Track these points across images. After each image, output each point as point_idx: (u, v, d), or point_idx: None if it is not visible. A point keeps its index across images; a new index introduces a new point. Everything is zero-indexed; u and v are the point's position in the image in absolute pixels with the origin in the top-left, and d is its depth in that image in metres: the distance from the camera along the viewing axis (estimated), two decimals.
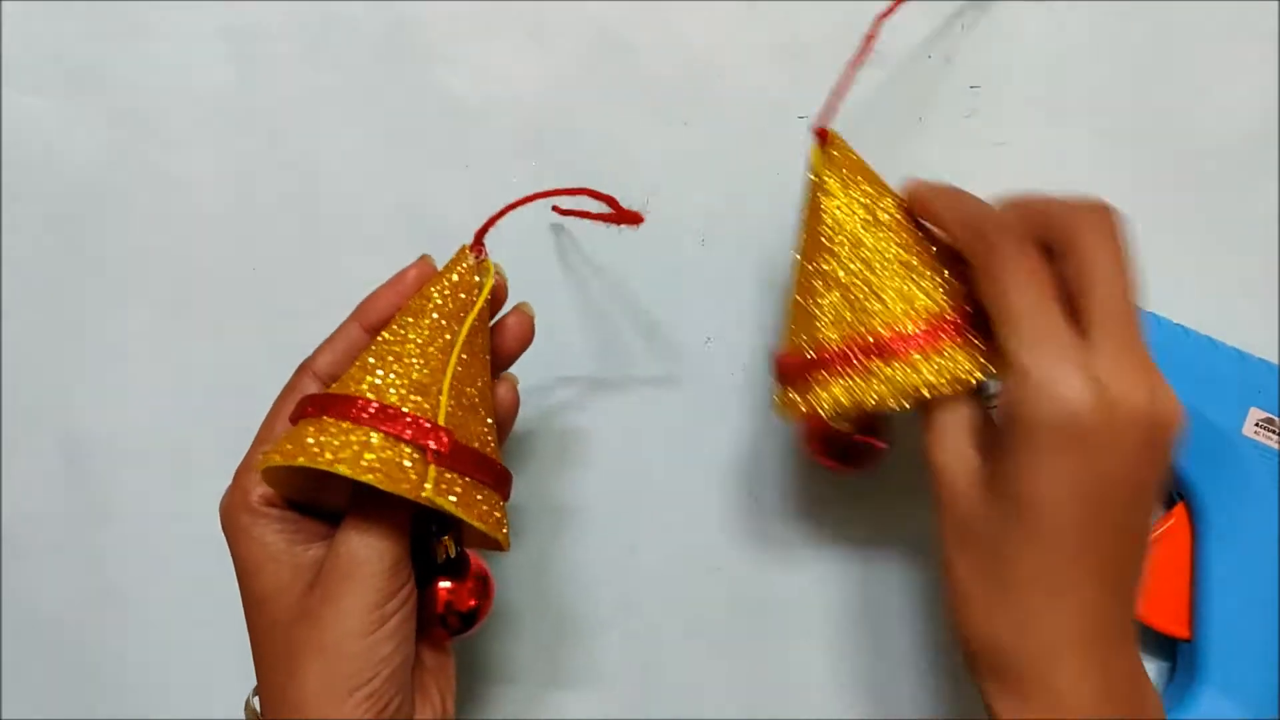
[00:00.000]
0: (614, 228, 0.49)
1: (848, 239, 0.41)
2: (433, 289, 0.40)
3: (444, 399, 0.37)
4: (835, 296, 0.40)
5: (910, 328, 0.39)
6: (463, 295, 0.40)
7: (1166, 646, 0.49)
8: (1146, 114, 0.50)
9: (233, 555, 0.39)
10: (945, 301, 0.39)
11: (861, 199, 0.41)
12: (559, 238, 0.50)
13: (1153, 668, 0.49)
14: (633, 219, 0.42)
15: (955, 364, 0.39)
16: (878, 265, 0.40)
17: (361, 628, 0.36)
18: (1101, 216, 0.37)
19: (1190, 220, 0.50)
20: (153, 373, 0.50)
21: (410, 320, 0.39)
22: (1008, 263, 0.36)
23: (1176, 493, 0.47)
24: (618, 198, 0.49)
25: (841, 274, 0.40)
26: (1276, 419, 0.46)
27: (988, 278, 0.37)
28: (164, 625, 0.50)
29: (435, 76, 0.50)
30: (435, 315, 0.39)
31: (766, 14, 0.50)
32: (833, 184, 0.42)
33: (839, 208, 0.41)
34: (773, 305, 0.50)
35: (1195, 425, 0.46)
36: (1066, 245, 0.36)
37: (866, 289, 0.40)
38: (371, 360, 0.38)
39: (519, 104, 0.50)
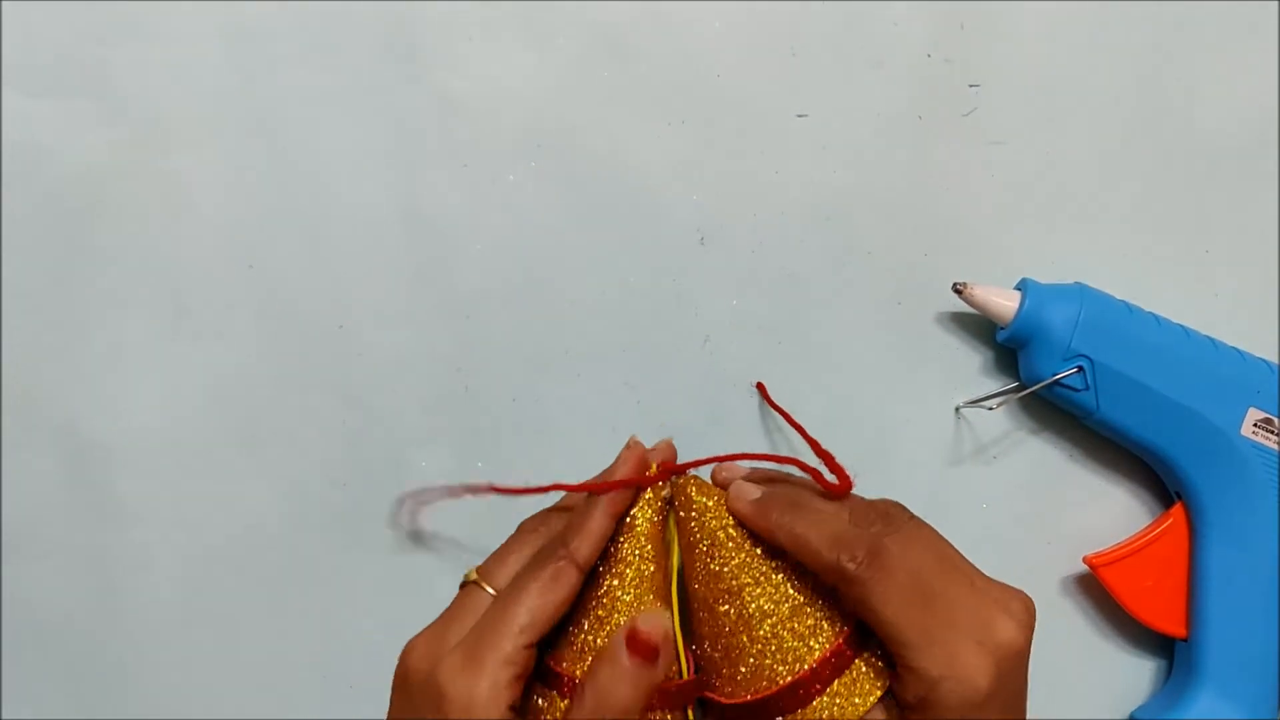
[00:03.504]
0: (614, 226, 0.50)
1: (712, 598, 0.41)
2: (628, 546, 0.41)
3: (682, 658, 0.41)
4: (727, 644, 0.40)
5: (807, 665, 0.38)
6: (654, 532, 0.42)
7: (1164, 646, 0.49)
8: (1146, 114, 0.50)
9: None
10: (829, 631, 0.39)
11: (708, 562, 0.41)
12: (559, 237, 0.50)
13: (1150, 667, 0.49)
14: (842, 486, 0.43)
15: (858, 686, 0.38)
16: (754, 623, 0.40)
17: None
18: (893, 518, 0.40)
19: (1190, 220, 0.50)
20: (153, 373, 0.50)
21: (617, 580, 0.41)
22: (865, 586, 0.37)
23: (1175, 492, 0.47)
24: (620, 197, 0.49)
25: (726, 628, 0.40)
26: (1275, 419, 0.46)
27: (852, 603, 0.38)
28: (164, 625, 0.50)
29: (435, 76, 0.50)
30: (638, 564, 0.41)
31: (766, 14, 0.50)
32: (681, 552, 0.42)
33: (695, 573, 0.42)
34: (772, 305, 0.50)
35: (1194, 425, 0.46)
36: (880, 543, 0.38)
37: (746, 647, 0.40)
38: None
39: (519, 104, 0.50)
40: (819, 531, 0.38)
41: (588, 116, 0.50)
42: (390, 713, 0.40)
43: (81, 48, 0.50)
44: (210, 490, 0.50)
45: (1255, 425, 0.46)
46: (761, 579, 0.40)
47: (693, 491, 0.42)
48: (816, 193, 0.50)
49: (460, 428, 0.50)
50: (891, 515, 0.40)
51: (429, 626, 0.40)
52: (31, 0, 0.50)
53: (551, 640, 0.40)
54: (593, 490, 0.40)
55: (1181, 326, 0.47)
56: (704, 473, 0.43)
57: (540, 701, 0.40)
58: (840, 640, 0.39)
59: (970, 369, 0.50)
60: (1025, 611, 0.38)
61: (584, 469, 0.50)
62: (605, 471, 0.43)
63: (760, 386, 0.49)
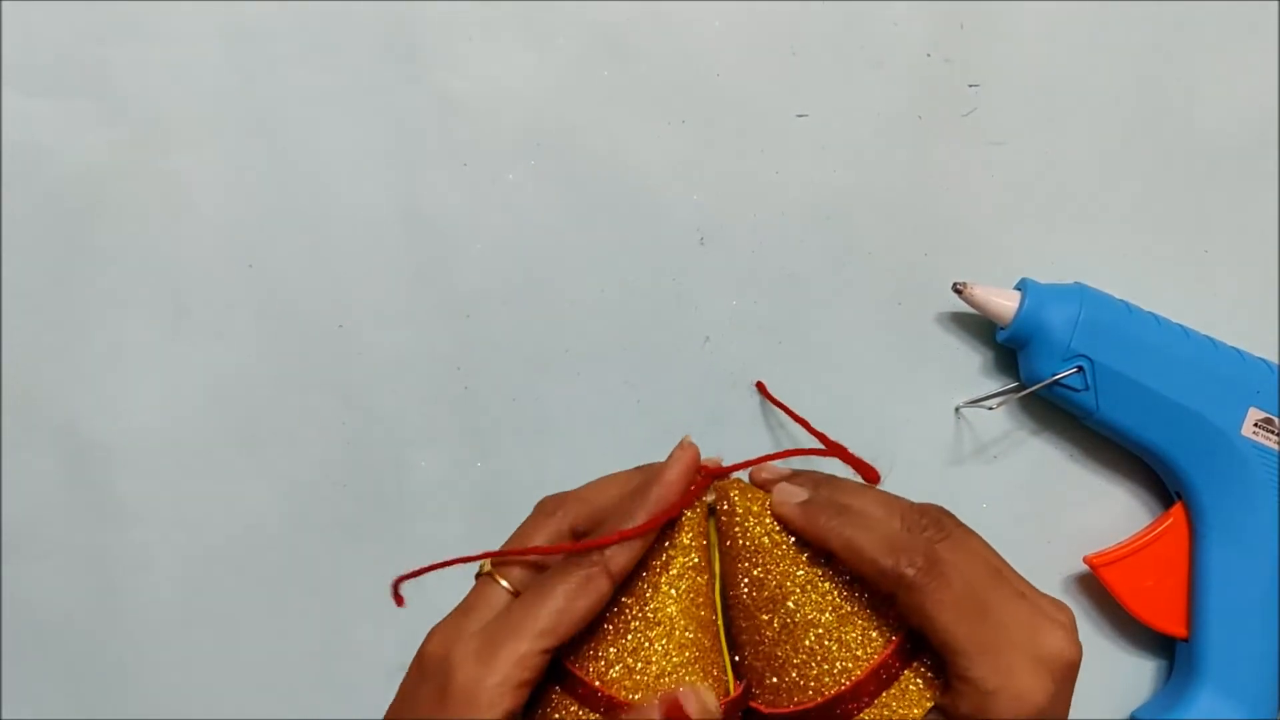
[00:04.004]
0: (614, 226, 0.50)
1: (755, 607, 0.40)
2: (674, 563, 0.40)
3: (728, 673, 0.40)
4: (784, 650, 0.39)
5: (857, 676, 0.38)
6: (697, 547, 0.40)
7: (1164, 646, 0.49)
8: (1146, 114, 0.50)
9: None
10: (879, 640, 0.38)
11: (751, 569, 0.40)
12: (559, 237, 0.50)
13: (1150, 667, 0.49)
14: (871, 475, 0.42)
15: (907, 698, 0.38)
16: (799, 633, 0.39)
17: None
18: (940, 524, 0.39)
19: (1190, 220, 0.50)
20: (153, 373, 0.50)
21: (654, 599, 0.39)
22: (922, 595, 0.36)
23: (1175, 492, 0.47)
24: (620, 197, 0.49)
25: (769, 637, 0.39)
26: (1275, 419, 0.46)
27: (909, 610, 0.37)
28: (164, 625, 0.50)
29: (435, 76, 0.50)
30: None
31: (766, 14, 0.50)
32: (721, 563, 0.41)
33: (737, 580, 0.40)
34: (773, 305, 0.50)
35: (1195, 425, 0.46)
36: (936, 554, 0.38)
37: (795, 655, 0.39)
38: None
39: (519, 104, 0.50)
40: (873, 536, 0.37)
41: (588, 116, 0.50)
42: (403, 684, 0.39)
43: (81, 47, 0.50)
44: (210, 490, 0.50)
45: (1255, 425, 0.46)
46: (807, 587, 0.39)
47: (735, 496, 0.40)
48: (816, 193, 0.50)
49: (460, 428, 0.50)
50: (942, 521, 0.39)
51: (448, 615, 0.39)
52: (31, 0, 0.50)
53: (575, 643, 0.39)
54: (622, 535, 0.37)
55: (1181, 326, 0.47)
56: (744, 475, 0.42)
57: (555, 700, 0.38)
58: (890, 650, 0.38)
59: (970, 369, 0.50)
60: (1072, 622, 0.37)
61: (584, 468, 0.49)
62: (657, 468, 0.40)
63: (760, 385, 0.49)
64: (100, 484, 0.50)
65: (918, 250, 0.50)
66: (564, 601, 0.37)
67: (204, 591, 0.50)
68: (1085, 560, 0.47)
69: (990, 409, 0.49)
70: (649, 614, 0.39)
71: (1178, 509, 0.47)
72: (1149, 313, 0.47)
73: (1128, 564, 0.47)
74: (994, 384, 0.49)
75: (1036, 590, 0.39)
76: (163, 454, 0.50)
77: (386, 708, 0.40)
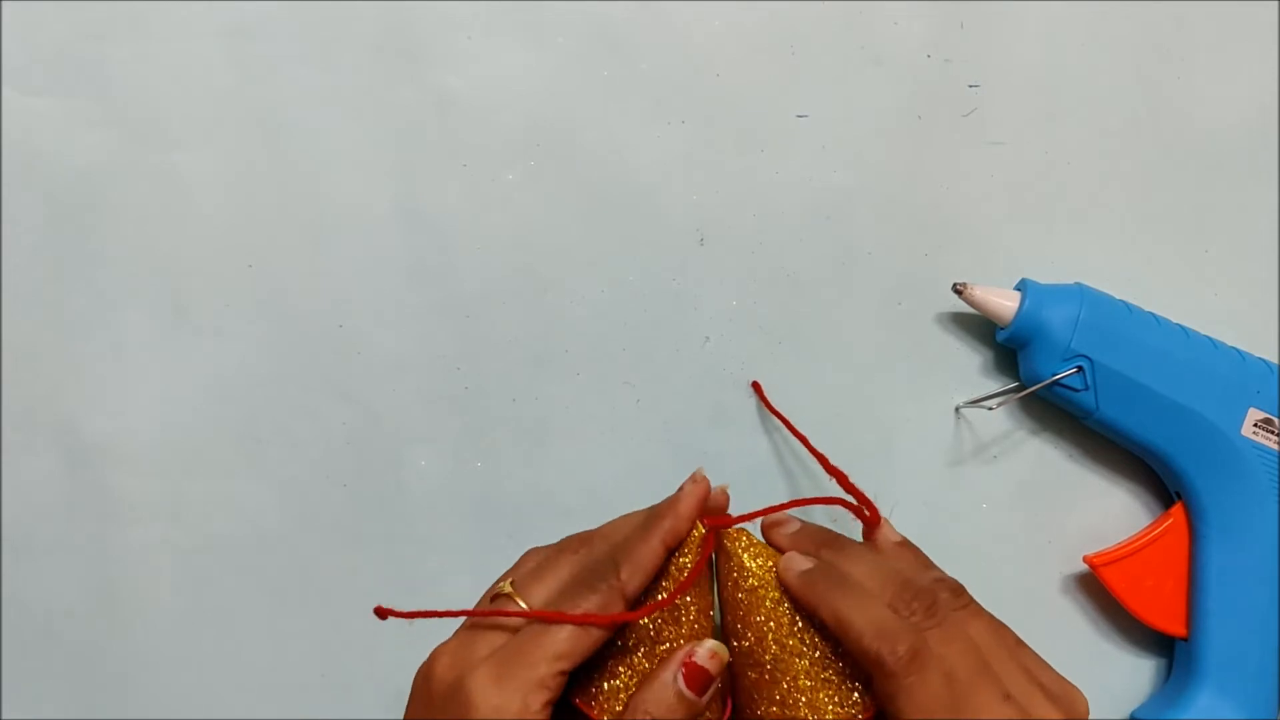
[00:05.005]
0: (614, 226, 0.50)
1: (742, 660, 0.40)
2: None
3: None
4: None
5: None
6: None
7: (1164, 645, 0.49)
8: (1146, 113, 0.50)
9: None
10: (851, 712, 0.38)
11: (743, 626, 0.40)
12: (559, 237, 0.50)
13: (1150, 667, 0.49)
14: (872, 519, 0.42)
15: None
16: (780, 691, 0.39)
17: None
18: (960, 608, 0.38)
19: (1190, 220, 0.50)
20: (153, 372, 0.50)
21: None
22: (898, 683, 0.36)
23: (1175, 492, 0.47)
24: (620, 197, 0.49)
25: (753, 693, 0.40)
26: (1275, 419, 0.46)
27: (882, 697, 0.36)
28: (164, 625, 0.50)
29: (435, 76, 0.50)
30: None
31: (766, 14, 0.50)
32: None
33: (729, 629, 0.41)
34: (772, 305, 0.50)
35: (1194, 425, 0.46)
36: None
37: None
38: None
39: (519, 103, 0.50)
40: (862, 617, 0.37)
41: (587, 116, 0.50)
42: (409, 712, 0.39)
43: (81, 46, 0.50)
44: (210, 490, 0.50)
45: (1255, 425, 0.46)
46: (794, 653, 0.39)
47: (741, 552, 0.41)
48: (816, 193, 0.50)
49: (460, 428, 0.50)
50: (936, 606, 0.38)
51: (456, 635, 0.39)
52: (31, 0, 0.50)
53: (581, 679, 0.39)
54: (586, 621, 0.37)
55: (1181, 327, 0.47)
56: (753, 525, 0.42)
57: None
58: None
59: (970, 369, 0.50)
60: (1078, 712, 0.37)
61: (583, 468, 0.50)
62: (666, 504, 0.41)
63: (756, 386, 0.49)
64: (100, 484, 0.50)
65: (918, 250, 0.50)
66: (581, 624, 0.37)
67: (204, 591, 0.50)
68: (1085, 560, 0.47)
69: (990, 409, 0.49)
70: (658, 651, 0.39)
71: (1178, 509, 0.47)
72: (1149, 313, 0.47)
73: (1128, 564, 0.47)
74: (994, 384, 0.50)
75: (1034, 686, 0.37)
76: (163, 454, 0.50)
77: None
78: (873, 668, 0.36)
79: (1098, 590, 0.48)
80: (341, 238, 0.50)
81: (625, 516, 0.42)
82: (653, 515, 0.40)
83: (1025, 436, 0.49)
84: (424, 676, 0.38)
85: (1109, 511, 0.49)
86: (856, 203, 0.50)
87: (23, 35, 0.50)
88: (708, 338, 0.50)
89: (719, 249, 0.50)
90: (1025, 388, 0.47)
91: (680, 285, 0.50)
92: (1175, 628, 0.47)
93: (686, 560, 0.40)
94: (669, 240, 0.50)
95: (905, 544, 0.42)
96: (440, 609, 0.40)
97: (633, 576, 0.38)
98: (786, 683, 0.39)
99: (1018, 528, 0.49)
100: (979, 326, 0.49)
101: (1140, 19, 0.50)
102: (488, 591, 0.41)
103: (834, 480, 0.43)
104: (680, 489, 0.41)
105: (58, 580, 0.50)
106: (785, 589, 0.40)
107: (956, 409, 0.49)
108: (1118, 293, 0.47)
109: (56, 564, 0.50)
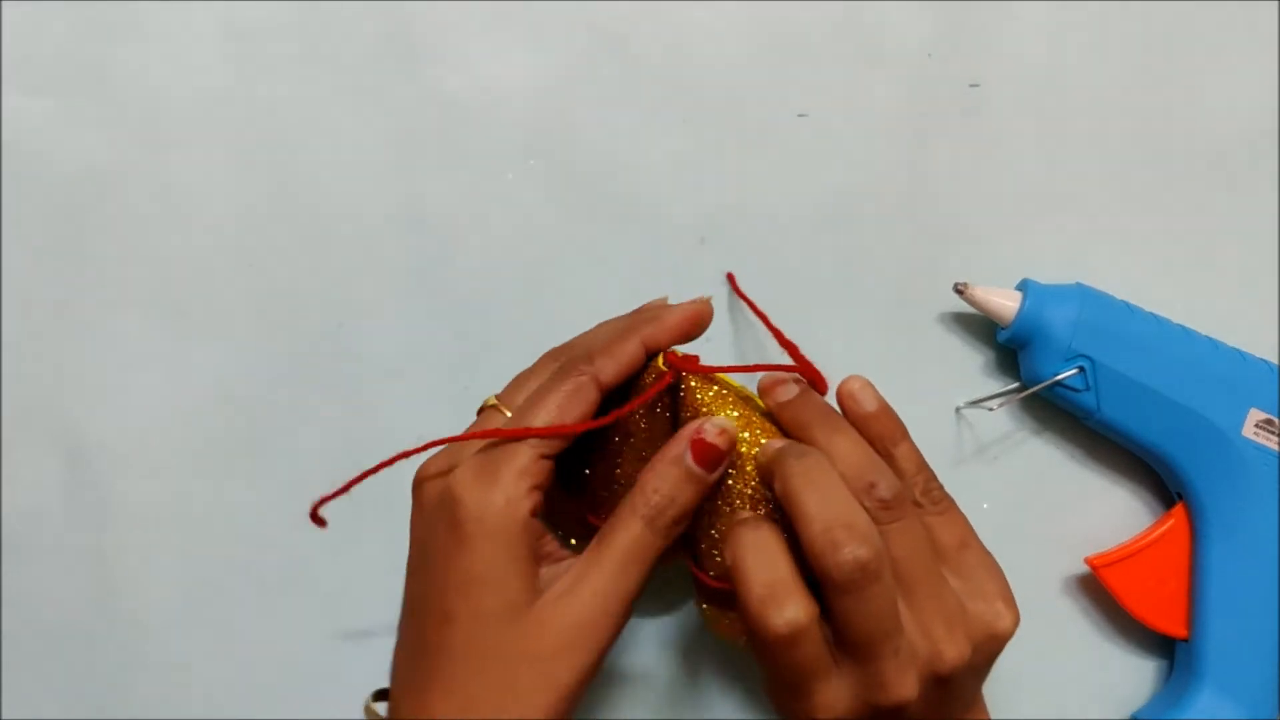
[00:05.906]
0: (614, 226, 0.50)
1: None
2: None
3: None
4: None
5: None
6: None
7: (1165, 646, 0.49)
8: (1146, 114, 0.50)
9: (466, 551, 0.36)
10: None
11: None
12: (559, 237, 0.50)
13: (1151, 667, 0.49)
14: (820, 385, 0.42)
15: None
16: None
17: (588, 677, 0.37)
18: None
19: (1190, 220, 0.50)
20: (153, 373, 0.50)
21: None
22: (833, 594, 0.35)
23: (1176, 493, 0.47)
24: (620, 197, 0.49)
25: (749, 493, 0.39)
26: (1276, 420, 0.46)
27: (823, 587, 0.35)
28: (164, 625, 0.50)
29: (435, 76, 0.50)
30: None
31: (766, 13, 0.50)
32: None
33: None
34: (772, 305, 0.50)
35: (1195, 425, 0.46)
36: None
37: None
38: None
39: (518, 104, 0.50)
40: (820, 504, 0.35)
41: (588, 116, 0.50)
42: (411, 533, 0.39)
43: (81, 47, 0.50)
44: (210, 490, 0.50)
45: (1256, 426, 0.46)
46: (740, 474, 0.39)
47: (695, 384, 0.40)
48: (816, 193, 0.50)
49: (460, 428, 0.49)
50: (896, 502, 0.37)
51: (444, 448, 0.39)
52: (31, 0, 0.50)
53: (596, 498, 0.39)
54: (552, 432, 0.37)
55: (1182, 327, 0.47)
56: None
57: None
58: None
59: (970, 369, 0.50)
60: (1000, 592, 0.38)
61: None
62: (654, 304, 0.41)
63: (730, 277, 0.48)
64: (100, 484, 0.50)
65: (918, 250, 0.50)
66: (555, 409, 0.37)
67: (204, 591, 0.50)
68: (1086, 562, 0.47)
69: (991, 409, 0.49)
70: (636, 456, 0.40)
71: (1178, 510, 0.47)
72: (1150, 313, 0.47)
73: (1128, 565, 0.47)
74: (995, 384, 0.49)
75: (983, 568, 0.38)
76: (163, 454, 0.50)
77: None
78: (815, 565, 0.35)
79: (1099, 591, 0.48)
80: (341, 238, 0.50)
81: (607, 321, 0.42)
82: (636, 314, 0.40)
83: (1026, 437, 0.49)
84: (416, 491, 0.39)
85: (1110, 512, 0.49)
86: (857, 202, 0.50)
87: (23, 35, 0.50)
88: (708, 338, 0.50)
89: (719, 249, 0.50)
90: (1026, 388, 0.47)
91: (680, 285, 0.50)
92: (1176, 629, 0.47)
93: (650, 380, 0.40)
94: (669, 240, 0.50)
95: (884, 410, 0.41)
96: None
97: (607, 363, 0.38)
98: (735, 502, 0.39)
99: (1018, 528, 0.49)
100: (979, 326, 0.49)
101: (1141, 19, 0.50)
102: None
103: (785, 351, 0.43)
104: (681, 302, 0.41)
105: (58, 581, 0.50)
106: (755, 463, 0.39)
107: (957, 409, 0.49)
108: (1118, 293, 0.47)
109: (56, 564, 0.50)
